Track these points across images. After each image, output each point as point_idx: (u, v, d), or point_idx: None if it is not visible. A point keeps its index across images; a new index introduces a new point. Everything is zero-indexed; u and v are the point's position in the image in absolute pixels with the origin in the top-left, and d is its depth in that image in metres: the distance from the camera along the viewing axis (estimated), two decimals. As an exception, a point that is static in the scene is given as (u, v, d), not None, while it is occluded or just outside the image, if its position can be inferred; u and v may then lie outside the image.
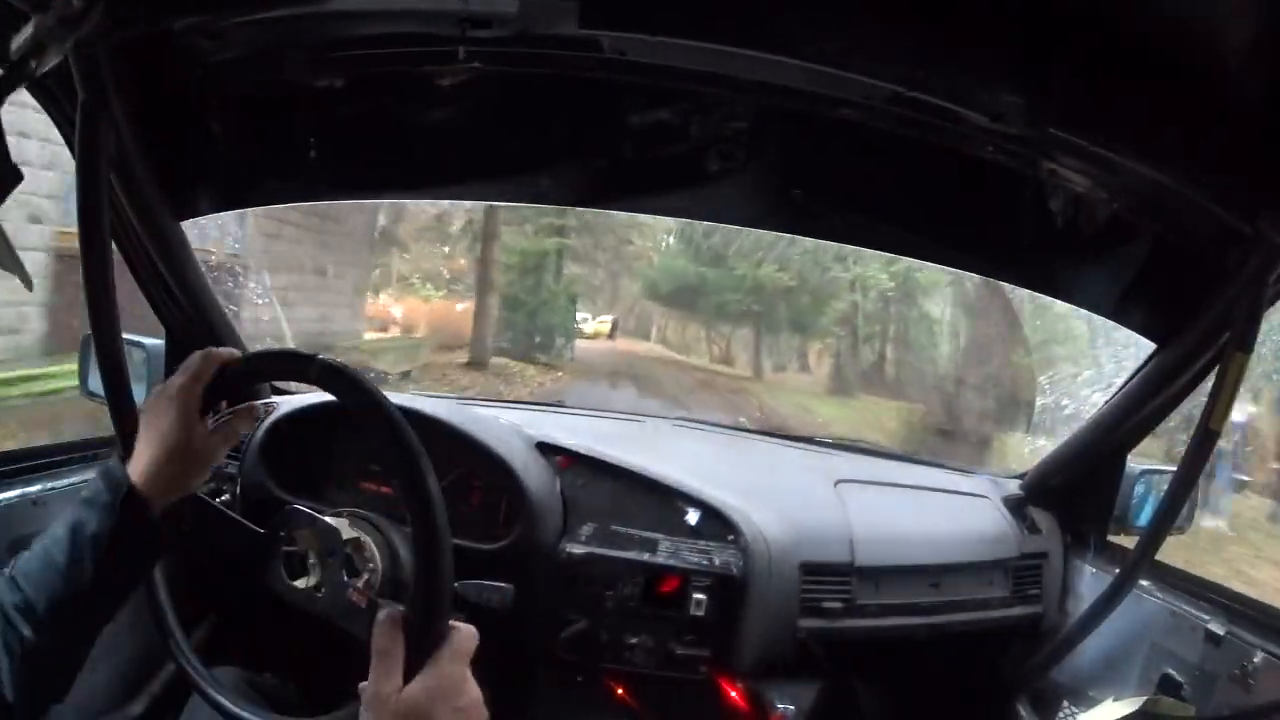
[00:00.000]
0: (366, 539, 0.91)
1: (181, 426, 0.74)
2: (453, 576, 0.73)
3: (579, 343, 11.19)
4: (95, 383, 1.07)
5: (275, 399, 1.30)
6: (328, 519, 0.87)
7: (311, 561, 0.86)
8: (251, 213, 5.80)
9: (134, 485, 0.72)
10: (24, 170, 0.64)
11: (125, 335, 1.02)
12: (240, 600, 1.24)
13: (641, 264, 11.94)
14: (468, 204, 8.98)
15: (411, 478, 0.69)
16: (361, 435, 1.10)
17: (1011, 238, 1.11)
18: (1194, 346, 1.06)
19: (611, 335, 12.01)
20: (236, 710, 0.82)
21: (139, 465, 0.74)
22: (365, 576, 0.88)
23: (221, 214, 1.24)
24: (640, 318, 13.48)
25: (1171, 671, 1.07)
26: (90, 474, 1.11)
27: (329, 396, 0.79)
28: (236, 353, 0.80)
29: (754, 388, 10.55)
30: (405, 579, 0.92)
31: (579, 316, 11.59)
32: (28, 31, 0.57)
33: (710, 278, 11.08)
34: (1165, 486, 1.08)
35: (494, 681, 1.15)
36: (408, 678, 0.63)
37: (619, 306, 12.79)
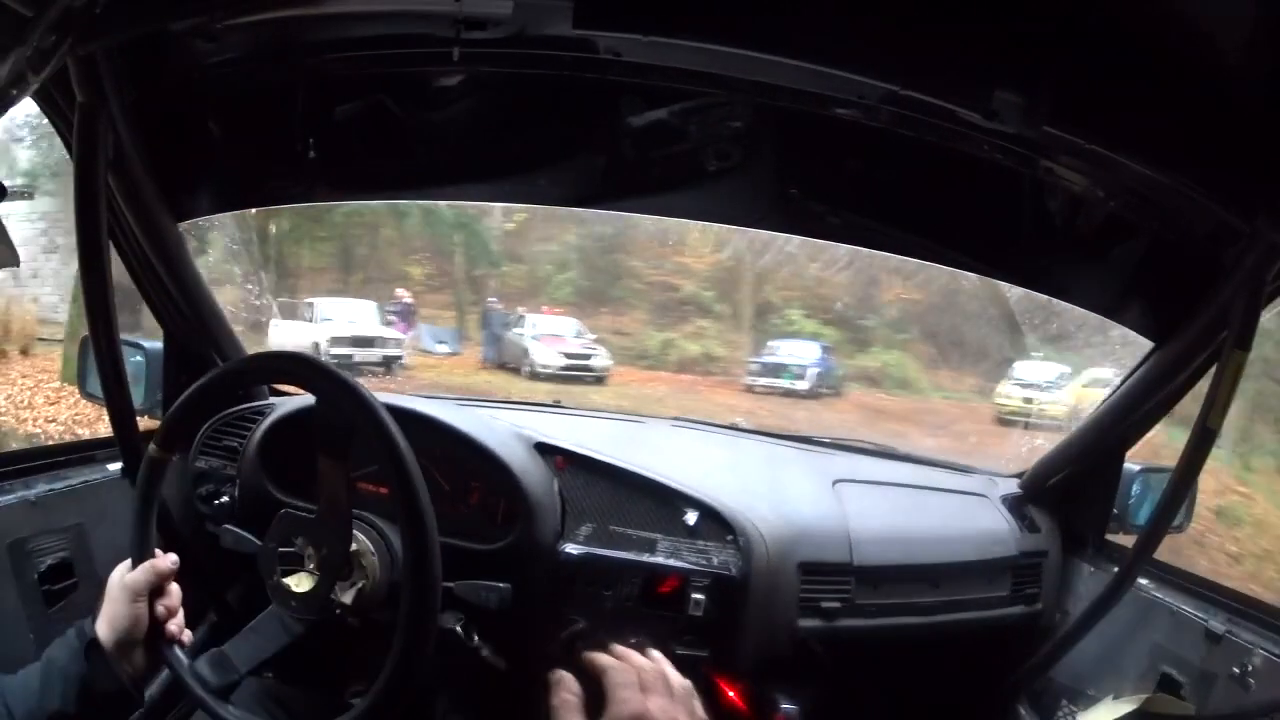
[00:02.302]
0: (368, 547, 0.92)
1: (129, 615, 0.82)
2: (440, 575, 0.74)
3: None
4: (94, 384, 1.07)
5: (273, 399, 1.30)
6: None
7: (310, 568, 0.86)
8: None
9: (96, 636, 0.81)
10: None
11: (123, 337, 1.03)
12: (240, 601, 1.24)
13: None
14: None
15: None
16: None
17: (1008, 237, 1.11)
18: (1192, 345, 1.06)
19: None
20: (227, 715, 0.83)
21: (101, 624, 0.82)
22: (359, 585, 0.89)
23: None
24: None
25: (1171, 670, 1.07)
26: (89, 474, 1.12)
27: None
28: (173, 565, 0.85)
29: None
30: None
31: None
32: (29, 47, 0.56)
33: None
34: (1163, 485, 1.08)
35: (492, 681, 1.16)
36: None
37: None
